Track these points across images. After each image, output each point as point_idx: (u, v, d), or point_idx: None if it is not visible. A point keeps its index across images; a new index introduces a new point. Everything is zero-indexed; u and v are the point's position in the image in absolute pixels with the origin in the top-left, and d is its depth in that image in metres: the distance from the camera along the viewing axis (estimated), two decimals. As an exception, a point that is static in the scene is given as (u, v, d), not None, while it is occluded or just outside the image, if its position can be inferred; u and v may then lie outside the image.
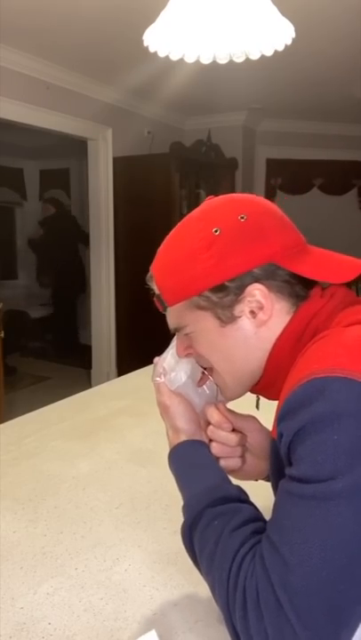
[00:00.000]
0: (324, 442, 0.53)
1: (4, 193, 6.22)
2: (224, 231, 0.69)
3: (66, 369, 5.26)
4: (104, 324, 4.62)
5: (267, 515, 0.62)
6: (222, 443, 0.77)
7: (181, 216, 3.84)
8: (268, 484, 0.75)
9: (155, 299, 0.76)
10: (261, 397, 0.77)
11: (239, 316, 0.70)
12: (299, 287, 0.70)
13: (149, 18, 1.41)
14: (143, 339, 4.70)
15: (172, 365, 0.80)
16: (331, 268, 0.70)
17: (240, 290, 0.69)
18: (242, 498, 0.67)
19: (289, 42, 1.40)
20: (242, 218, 0.69)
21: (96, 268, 4.56)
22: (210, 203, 0.75)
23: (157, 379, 0.80)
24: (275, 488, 0.69)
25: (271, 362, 0.70)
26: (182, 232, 0.74)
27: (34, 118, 3.70)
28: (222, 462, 0.77)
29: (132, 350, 4.58)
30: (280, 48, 1.41)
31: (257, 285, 0.68)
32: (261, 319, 0.69)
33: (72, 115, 3.97)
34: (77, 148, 4.57)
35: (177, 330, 0.76)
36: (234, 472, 0.79)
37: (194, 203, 4.61)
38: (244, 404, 0.79)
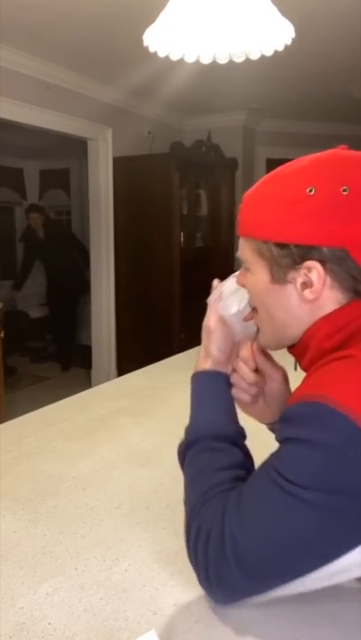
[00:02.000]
0: (307, 458, 0.59)
1: (4, 193, 6.22)
2: (318, 195, 0.64)
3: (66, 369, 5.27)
4: (104, 324, 4.62)
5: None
6: (240, 376, 0.81)
7: (181, 216, 3.86)
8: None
9: (236, 221, 0.76)
10: None
11: (290, 282, 0.68)
12: None
13: (149, 18, 1.41)
14: (143, 339, 4.72)
15: (230, 291, 0.82)
16: None
17: (301, 258, 0.66)
18: (237, 441, 0.74)
19: (289, 42, 1.40)
20: (344, 190, 0.64)
21: (96, 268, 4.57)
22: (326, 155, 0.69)
23: (213, 300, 0.83)
24: None
25: (305, 338, 0.70)
26: (284, 174, 0.70)
27: (34, 118, 3.70)
28: (233, 391, 0.81)
29: (132, 350, 4.58)
30: (280, 48, 1.41)
31: (317, 264, 0.65)
32: (307, 297, 0.67)
33: (72, 115, 3.97)
34: (77, 148, 4.57)
35: (240, 259, 0.77)
36: (240, 405, 0.83)
37: (194, 203, 4.61)
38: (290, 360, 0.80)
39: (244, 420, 0.83)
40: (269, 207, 0.68)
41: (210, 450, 0.72)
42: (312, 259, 0.65)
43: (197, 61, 1.47)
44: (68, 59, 3.58)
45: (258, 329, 0.79)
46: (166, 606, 0.82)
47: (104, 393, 1.94)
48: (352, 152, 0.69)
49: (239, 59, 1.45)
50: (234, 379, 0.81)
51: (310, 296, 0.67)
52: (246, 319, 0.81)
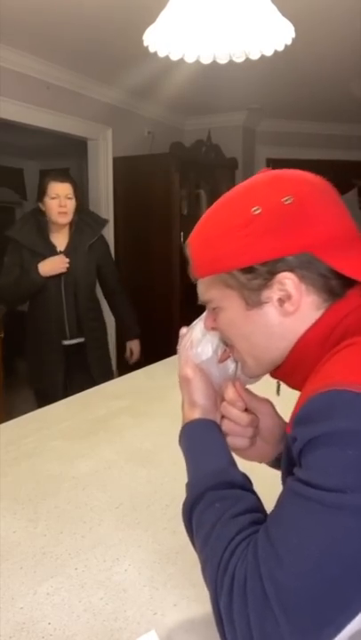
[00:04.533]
0: (336, 455, 0.53)
1: (4, 193, 6.21)
2: (264, 212, 0.65)
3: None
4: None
5: (267, 503, 0.63)
6: (233, 420, 0.77)
7: (181, 216, 3.84)
8: (273, 471, 0.76)
9: (189, 267, 0.74)
10: (282, 383, 0.76)
11: (266, 302, 0.67)
12: (336, 283, 0.66)
13: (149, 18, 1.41)
14: (143, 339, 4.71)
15: (198, 338, 0.79)
16: None
17: (270, 275, 0.66)
18: (246, 486, 0.67)
19: (289, 42, 1.40)
20: (286, 200, 0.65)
21: (96, 268, 4.56)
22: (257, 178, 0.72)
23: (183, 349, 0.80)
24: (284, 480, 0.70)
25: (294, 355, 0.68)
26: (224, 206, 0.71)
27: (34, 118, 3.70)
28: (229, 440, 0.76)
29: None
30: (280, 48, 1.41)
31: (288, 274, 0.65)
32: (288, 310, 0.66)
33: (72, 115, 3.97)
34: (77, 148, 4.57)
35: (204, 302, 0.75)
36: (239, 451, 0.78)
37: (194, 203, 4.61)
38: (265, 388, 0.79)
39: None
40: (222, 239, 0.68)
41: (220, 500, 0.64)
42: (281, 271, 0.65)
43: (197, 61, 1.46)
44: (69, 59, 3.58)
45: (236, 367, 0.78)
46: (166, 606, 0.82)
47: (104, 393, 1.94)
48: (276, 170, 0.72)
49: (239, 59, 1.45)
50: (226, 426, 0.77)
51: (291, 308, 0.66)
52: (221, 360, 0.79)
